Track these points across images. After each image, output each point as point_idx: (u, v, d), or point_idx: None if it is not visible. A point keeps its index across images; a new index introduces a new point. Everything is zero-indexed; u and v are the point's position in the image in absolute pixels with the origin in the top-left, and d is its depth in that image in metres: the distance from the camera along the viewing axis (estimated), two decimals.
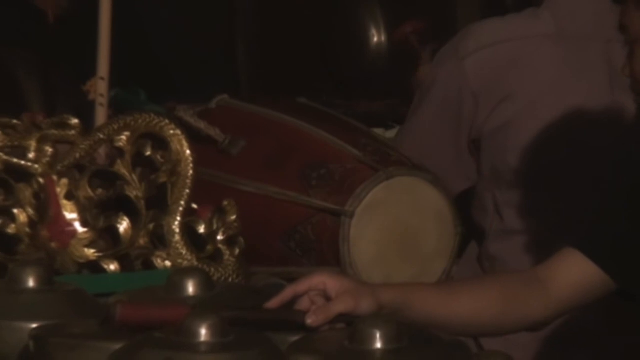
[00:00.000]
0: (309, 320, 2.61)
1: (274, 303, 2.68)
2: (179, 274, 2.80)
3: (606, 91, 3.71)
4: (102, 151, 3.18)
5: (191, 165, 3.15)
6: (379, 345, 2.47)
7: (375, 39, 4.66)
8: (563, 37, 3.75)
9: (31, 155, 3.10)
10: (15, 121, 3.12)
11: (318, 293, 2.70)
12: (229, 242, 3.14)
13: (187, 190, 3.12)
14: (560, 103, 3.71)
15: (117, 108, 3.53)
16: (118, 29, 3.43)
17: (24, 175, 3.12)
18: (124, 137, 3.13)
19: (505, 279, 3.11)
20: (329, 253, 3.44)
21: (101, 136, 3.13)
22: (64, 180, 3.11)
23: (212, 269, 3.09)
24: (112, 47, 3.38)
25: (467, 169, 3.81)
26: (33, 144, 3.11)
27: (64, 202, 3.12)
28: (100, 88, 3.37)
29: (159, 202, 3.16)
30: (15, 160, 3.09)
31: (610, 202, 3.07)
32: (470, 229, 3.71)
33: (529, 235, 3.76)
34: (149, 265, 3.13)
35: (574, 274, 2.93)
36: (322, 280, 2.71)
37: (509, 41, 3.75)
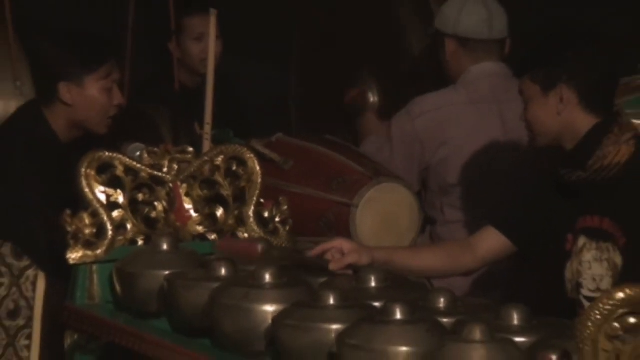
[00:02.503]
0: (331, 266, 3.08)
1: (312, 253, 3.13)
2: (254, 241, 3.28)
3: (501, 134, 4.08)
4: (207, 168, 3.42)
5: (260, 176, 3.43)
6: (373, 284, 2.95)
7: (371, 101, 4.63)
8: (472, 102, 4.13)
9: (165, 170, 3.41)
10: (155, 149, 3.41)
11: (337, 251, 3.13)
12: (283, 222, 3.45)
13: (257, 191, 3.42)
14: (476, 144, 4.10)
15: (216, 141, 3.70)
16: (219, 96, 3.75)
17: (161, 181, 3.40)
18: (220, 159, 3.43)
19: (448, 244, 3.58)
20: (343, 229, 3.83)
21: (206, 158, 3.44)
22: (184, 185, 3.42)
23: (272, 239, 3.40)
24: (214, 104, 3.68)
25: (414, 186, 4.11)
26: (166, 162, 3.42)
27: (184, 198, 3.42)
28: (206, 128, 3.66)
29: (240, 198, 3.44)
30: (155, 172, 3.39)
31: (511, 200, 3.49)
32: (426, 218, 4.12)
33: (460, 224, 4.16)
34: (235, 236, 3.42)
35: (490, 241, 3.33)
36: (340, 243, 3.15)
37: (441, 108, 4.13)
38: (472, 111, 4.06)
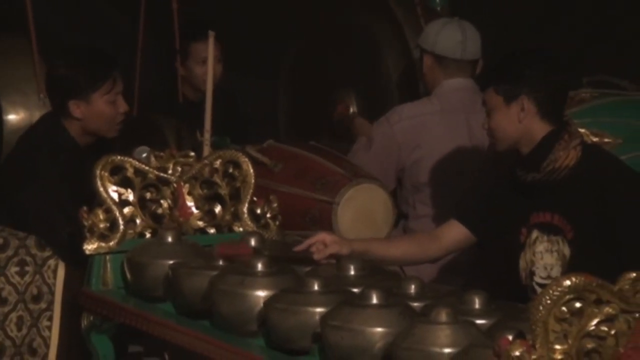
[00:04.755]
0: (315, 256, 3.09)
1: (298, 248, 3.13)
2: (247, 235, 3.25)
3: (467, 140, 4.09)
4: (206, 170, 3.39)
5: (253, 177, 3.41)
6: (353, 272, 2.96)
7: (350, 112, 4.76)
8: (444, 112, 4.14)
9: (170, 171, 3.40)
10: (162, 153, 3.41)
11: (320, 243, 3.12)
12: (273, 218, 3.43)
13: (251, 190, 3.41)
14: (445, 148, 4.11)
15: (215, 147, 3.67)
16: (218, 108, 3.76)
17: (166, 182, 3.39)
18: (218, 162, 3.42)
19: (418, 236, 3.57)
20: (326, 223, 3.81)
21: (206, 162, 3.43)
22: (187, 185, 3.40)
23: (264, 232, 3.36)
24: (213, 115, 3.68)
25: (389, 185, 4.10)
26: (171, 165, 3.40)
27: (187, 196, 3.39)
28: (206, 136, 3.62)
29: (236, 196, 3.41)
30: (162, 174, 3.38)
31: (472, 196, 3.43)
32: (400, 212, 4.12)
33: (429, 218, 4.14)
34: (231, 230, 3.40)
35: (454, 232, 3.33)
36: (322, 237, 3.14)
37: (417, 116, 4.14)
38: (443, 120, 4.09)
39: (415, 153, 4.09)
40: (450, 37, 4.08)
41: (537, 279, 3.24)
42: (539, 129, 3.17)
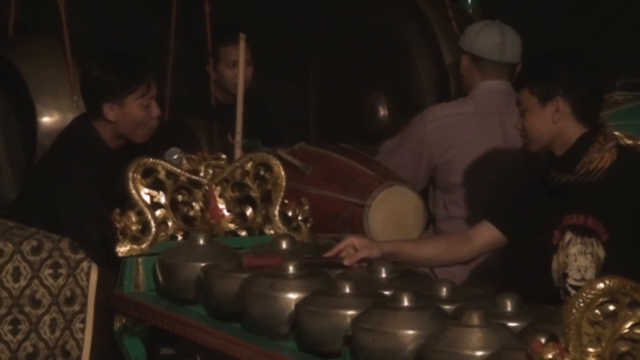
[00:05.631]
0: (345, 262, 3.07)
1: (329, 254, 3.12)
2: (278, 237, 3.25)
3: (501, 142, 4.11)
4: (238, 173, 3.43)
5: (284, 179, 3.42)
6: (383, 275, 2.95)
7: (381, 114, 4.84)
8: (478, 113, 4.15)
9: (201, 174, 3.40)
10: (193, 156, 3.41)
11: (350, 247, 3.11)
12: (304, 220, 3.43)
13: (282, 193, 3.41)
14: (478, 149, 4.13)
15: (246, 149, 3.72)
16: (249, 110, 3.83)
17: (198, 184, 3.40)
18: (249, 164, 3.43)
19: (449, 236, 3.56)
20: (357, 226, 3.85)
21: (237, 164, 3.44)
22: (218, 187, 3.41)
23: (295, 235, 3.35)
24: (245, 118, 3.73)
25: (419, 184, 4.15)
26: (202, 167, 3.41)
27: (218, 199, 3.40)
28: (237, 138, 3.69)
29: (267, 199, 3.42)
30: (193, 176, 3.39)
31: (505, 198, 3.46)
32: (430, 215, 4.12)
33: (461, 219, 4.15)
34: (262, 233, 3.41)
35: (486, 233, 3.31)
36: (352, 241, 3.13)
37: (450, 116, 4.16)
38: (477, 121, 4.11)
39: (448, 153, 4.11)
40: (489, 38, 4.09)
41: (570, 281, 3.24)
42: (574, 130, 3.17)
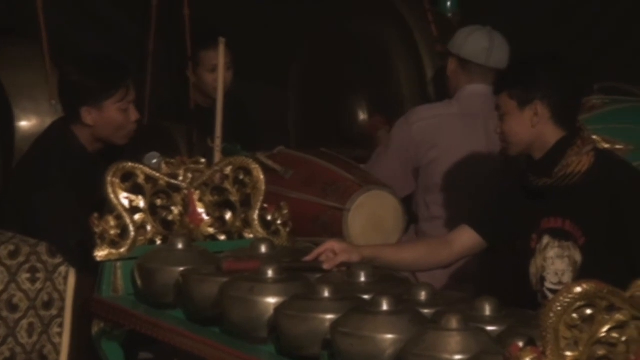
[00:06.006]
0: (325, 266, 3.07)
1: (308, 257, 3.11)
2: (258, 241, 3.23)
3: (484, 144, 4.09)
4: (217, 177, 3.42)
5: (263, 183, 3.42)
6: (362, 279, 2.95)
7: (361, 119, 4.89)
8: (463, 115, 4.16)
9: (181, 178, 3.41)
10: (172, 160, 3.42)
11: (330, 252, 3.11)
12: (284, 224, 3.43)
13: (261, 197, 3.42)
14: (461, 150, 4.12)
15: (225, 153, 3.75)
16: (229, 114, 3.82)
17: (177, 188, 3.40)
18: (229, 169, 3.43)
19: (429, 240, 3.63)
20: (337, 230, 3.84)
21: (217, 168, 3.45)
22: (198, 192, 3.42)
23: (274, 239, 3.35)
24: (224, 122, 3.73)
25: (409, 185, 4.19)
26: (181, 172, 3.41)
27: (197, 203, 3.41)
28: (217, 142, 3.69)
29: (247, 203, 3.43)
30: (172, 180, 3.40)
31: (484, 202, 3.47)
32: (410, 217, 4.11)
33: (442, 220, 4.14)
34: (241, 237, 3.41)
35: (465, 237, 3.32)
36: (331, 245, 3.13)
37: (435, 117, 4.17)
38: (461, 122, 4.12)
39: (431, 153, 4.11)
40: (478, 42, 4.10)
41: (548, 284, 3.24)
42: (552, 134, 3.17)
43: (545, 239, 3.24)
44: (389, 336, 2.48)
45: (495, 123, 3.30)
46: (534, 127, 3.16)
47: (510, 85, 3.19)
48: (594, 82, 4.09)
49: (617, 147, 3.71)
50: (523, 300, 3.08)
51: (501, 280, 3.70)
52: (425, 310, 2.67)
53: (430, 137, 4.10)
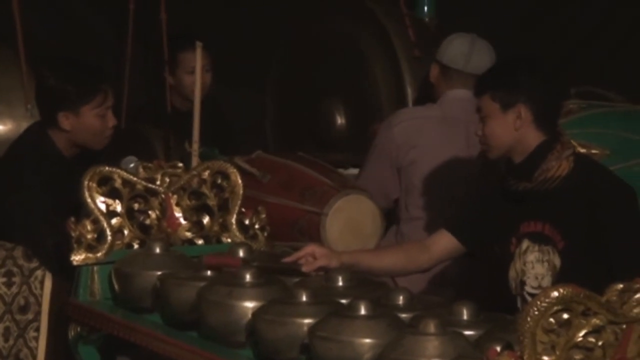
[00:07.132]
0: (304, 269, 3.10)
1: (286, 260, 3.13)
2: (236, 245, 3.28)
3: (464, 147, 4.08)
4: (195, 181, 3.44)
5: (241, 188, 3.44)
6: (341, 283, 2.98)
7: (338, 123, 4.87)
8: (444, 118, 4.16)
9: (158, 182, 3.44)
10: (150, 164, 3.44)
11: (309, 256, 3.14)
12: (261, 228, 3.46)
13: (239, 201, 3.43)
14: (441, 152, 4.12)
15: (203, 158, 3.71)
16: (207, 118, 3.82)
17: (154, 192, 3.42)
18: (206, 173, 3.45)
19: (407, 245, 3.57)
20: (315, 234, 3.87)
21: (194, 172, 3.47)
22: (175, 196, 3.45)
23: (252, 243, 3.39)
24: (202, 125, 3.71)
25: (393, 190, 4.17)
26: (159, 176, 3.44)
27: (175, 207, 3.44)
28: (194, 146, 3.67)
29: (224, 207, 3.45)
30: (150, 184, 3.42)
31: (463, 206, 3.51)
32: (389, 220, 4.12)
33: (421, 221, 4.12)
34: (219, 241, 3.43)
35: (443, 242, 3.33)
36: (312, 249, 3.15)
37: (417, 118, 4.18)
38: (442, 124, 4.13)
39: (411, 154, 4.12)
40: (457, 48, 4.13)
41: (528, 288, 3.25)
42: (533, 138, 3.17)
43: (525, 243, 3.24)
44: (367, 340, 2.50)
45: (476, 126, 3.35)
46: (516, 130, 3.16)
47: (492, 87, 3.18)
48: (570, 86, 4.08)
49: (593, 151, 3.73)
50: (502, 305, 3.09)
51: (480, 285, 3.71)
52: (403, 315, 2.68)
53: (410, 138, 4.11)
